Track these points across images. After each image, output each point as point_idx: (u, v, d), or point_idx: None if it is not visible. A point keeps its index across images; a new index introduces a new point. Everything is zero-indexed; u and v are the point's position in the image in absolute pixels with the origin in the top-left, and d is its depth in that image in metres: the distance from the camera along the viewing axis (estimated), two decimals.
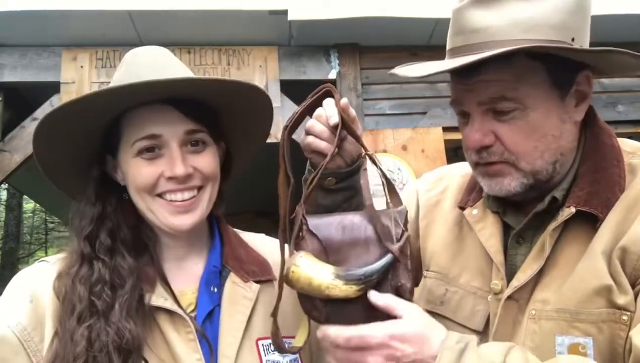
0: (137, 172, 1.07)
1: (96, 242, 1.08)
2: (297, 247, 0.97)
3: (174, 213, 1.08)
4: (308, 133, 1.09)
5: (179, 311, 1.05)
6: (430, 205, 1.40)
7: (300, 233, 0.97)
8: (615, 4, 3.79)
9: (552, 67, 1.06)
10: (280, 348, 1.03)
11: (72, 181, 1.18)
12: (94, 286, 1.02)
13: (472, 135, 1.10)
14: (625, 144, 1.16)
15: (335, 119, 1.04)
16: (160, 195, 1.08)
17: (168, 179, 1.06)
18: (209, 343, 1.05)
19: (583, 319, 1.02)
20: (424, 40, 3.97)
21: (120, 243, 1.09)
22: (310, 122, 1.08)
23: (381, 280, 0.94)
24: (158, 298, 1.05)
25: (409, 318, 0.91)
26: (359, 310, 0.93)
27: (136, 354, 0.98)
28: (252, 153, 1.32)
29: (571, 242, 1.08)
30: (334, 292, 0.91)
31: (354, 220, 0.99)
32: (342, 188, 1.13)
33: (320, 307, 0.95)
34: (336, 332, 0.92)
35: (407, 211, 1.01)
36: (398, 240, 0.96)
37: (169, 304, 1.05)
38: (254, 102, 1.16)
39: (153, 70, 1.06)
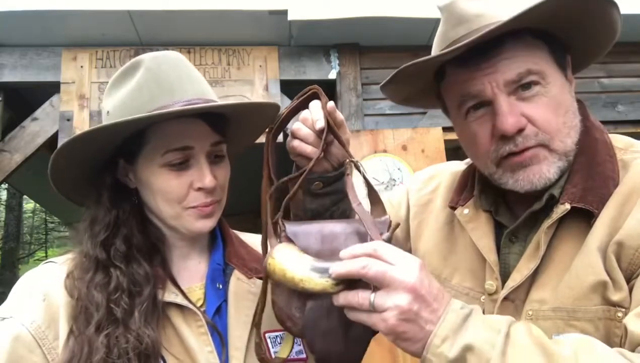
0: (167, 183, 1.08)
1: (111, 249, 1.08)
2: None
3: (199, 218, 1.10)
4: (293, 136, 1.08)
5: (190, 305, 1.07)
6: (420, 204, 1.38)
7: (279, 240, 0.96)
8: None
9: (552, 47, 1.08)
10: (263, 360, 1.02)
11: (80, 189, 1.18)
12: (112, 294, 1.03)
13: (506, 120, 1.04)
14: (617, 140, 1.15)
15: (321, 123, 1.03)
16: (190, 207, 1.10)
17: (197, 190, 1.08)
18: (220, 336, 1.06)
19: (580, 317, 1.00)
20: (424, 40, 3.94)
21: (135, 250, 1.10)
22: (296, 125, 1.07)
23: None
24: (170, 294, 1.07)
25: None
26: (336, 321, 0.87)
27: (153, 358, 1.00)
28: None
29: (566, 239, 1.07)
30: (308, 285, 0.86)
31: (334, 229, 0.98)
32: (330, 192, 1.13)
33: (295, 317, 0.92)
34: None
35: (390, 221, 0.99)
36: None
37: (180, 299, 1.07)
38: (268, 117, 1.20)
39: (180, 83, 1.07)
